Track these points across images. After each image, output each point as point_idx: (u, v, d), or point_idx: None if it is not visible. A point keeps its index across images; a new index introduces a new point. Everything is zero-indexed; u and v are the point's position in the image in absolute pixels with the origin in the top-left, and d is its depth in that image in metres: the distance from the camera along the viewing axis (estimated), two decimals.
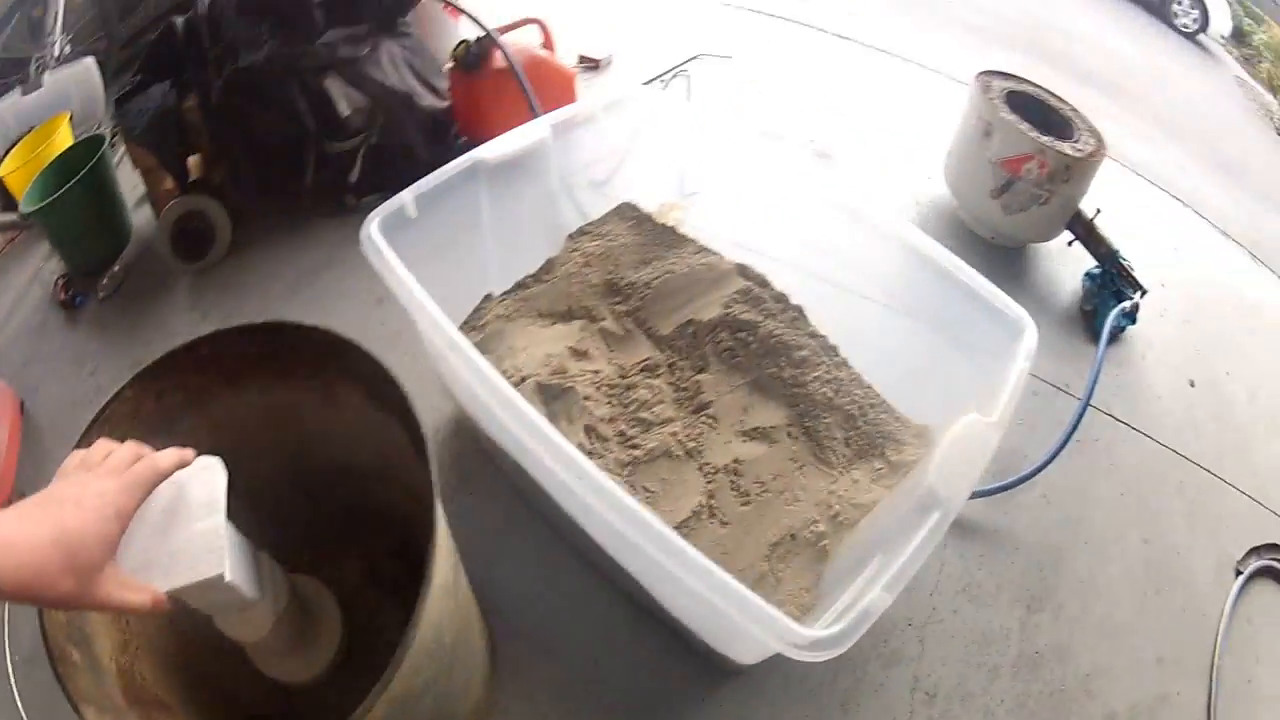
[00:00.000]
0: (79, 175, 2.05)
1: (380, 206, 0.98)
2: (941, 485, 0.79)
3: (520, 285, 1.13)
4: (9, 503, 1.67)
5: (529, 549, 1.14)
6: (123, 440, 0.65)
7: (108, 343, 2.03)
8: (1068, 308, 1.70)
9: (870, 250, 1.11)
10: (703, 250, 1.16)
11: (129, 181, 2.19)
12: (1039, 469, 1.33)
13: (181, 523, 0.66)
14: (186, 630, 0.90)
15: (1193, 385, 1.64)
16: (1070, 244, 1.72)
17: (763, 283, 1.14)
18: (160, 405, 0.86)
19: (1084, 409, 1.40)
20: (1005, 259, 1.75)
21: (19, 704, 0.82)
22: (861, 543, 0.99)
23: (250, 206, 1.79)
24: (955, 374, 1.06)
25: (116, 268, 2.24)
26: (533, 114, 1.48)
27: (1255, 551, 1.37)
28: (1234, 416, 1.61)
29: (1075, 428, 1.37)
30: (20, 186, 2.55)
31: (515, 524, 1.16)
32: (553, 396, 0.96)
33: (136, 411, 0.84)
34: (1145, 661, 1.23)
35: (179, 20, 1.75)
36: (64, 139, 2.54)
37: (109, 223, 2.29)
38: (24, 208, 2.15)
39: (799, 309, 1.14)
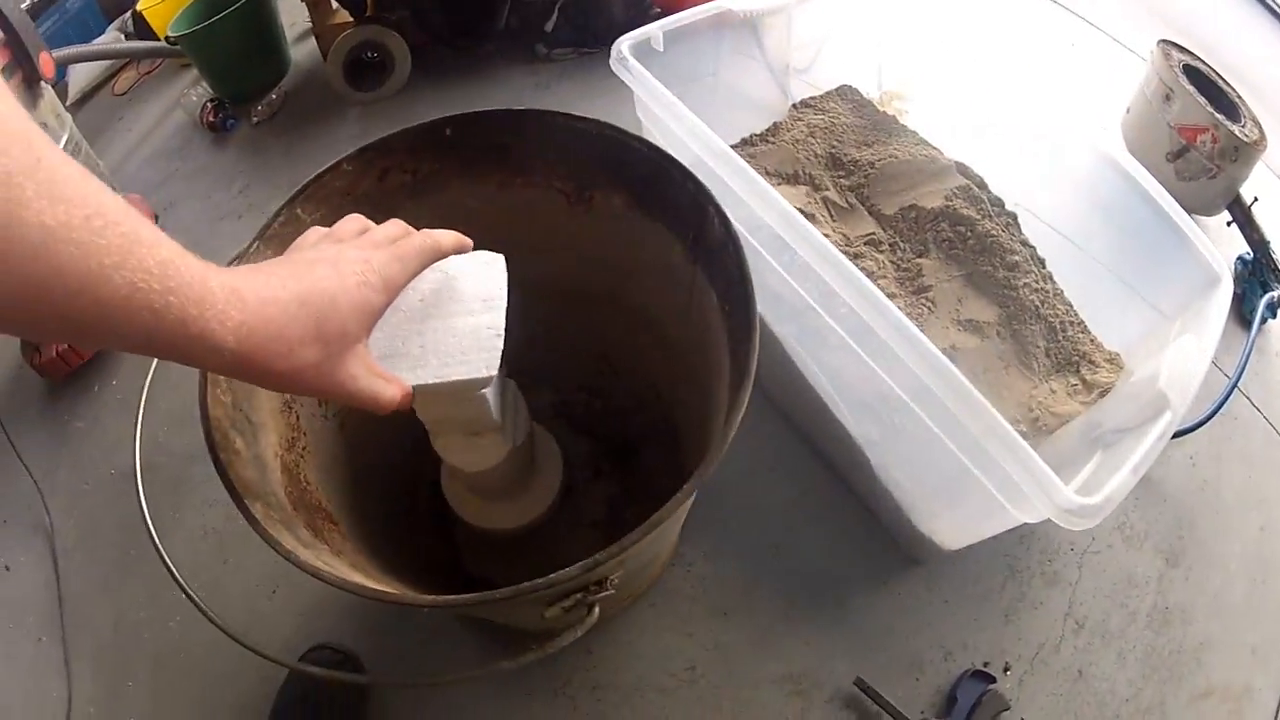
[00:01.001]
0: (233, 7, 2.05)
1: (630, 33, 1.00)
2: (1173, 393, 0.83)
3: (746, 142, 1.15)
4: None
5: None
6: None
7: (261, 163, 2.04)
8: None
9: (1080, 166, 1.15)
10: (923, 143, 1.19)
11: (292, 13, 2.19)
12: (1194, 427, 1.37)
13: (448, 315, 0.58)
14: (359, 439, 0.89)
15: None
16: (1229, 224, 1.75)
17: (981, 184, 1.18)
18: (382, 185, 0.81)
19: (1233, 388, 1.44)
20: (1163, 220, 1.78)
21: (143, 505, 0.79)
22: (1063, 448, 1.04)
23: (436, 45, 1.78)
24: (1147, 310, 1.12)
25: (274, 95, 2.25)
26: None
27: None
28: None
29: (1223, 403, 1.41)
30: (163, 20, 2.56)
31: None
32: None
33: (351, 188, 0.79)
34: (1243, 647, 1.27)
35: None
36: None
37: (266, 53, 2.29)
38: (172, 30, 2.15)
39: (1013, 215, 1.17)
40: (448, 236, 0.55)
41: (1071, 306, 1.16)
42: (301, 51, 2.36)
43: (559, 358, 1.05)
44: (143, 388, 0.81)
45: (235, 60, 2.26)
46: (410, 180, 0.81)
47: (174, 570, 0.71)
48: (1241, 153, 1.62)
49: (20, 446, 1.73)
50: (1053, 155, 1.15)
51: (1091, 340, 1.15)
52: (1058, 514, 0.72)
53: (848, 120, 1.20)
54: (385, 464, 0.94)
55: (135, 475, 0.75)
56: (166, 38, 2.30)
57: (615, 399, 1.08)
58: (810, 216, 1.06)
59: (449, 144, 0.80)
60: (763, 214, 0.82)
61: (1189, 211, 1.75)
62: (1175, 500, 1.37)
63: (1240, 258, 1.75)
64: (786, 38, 1.16)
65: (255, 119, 2.24)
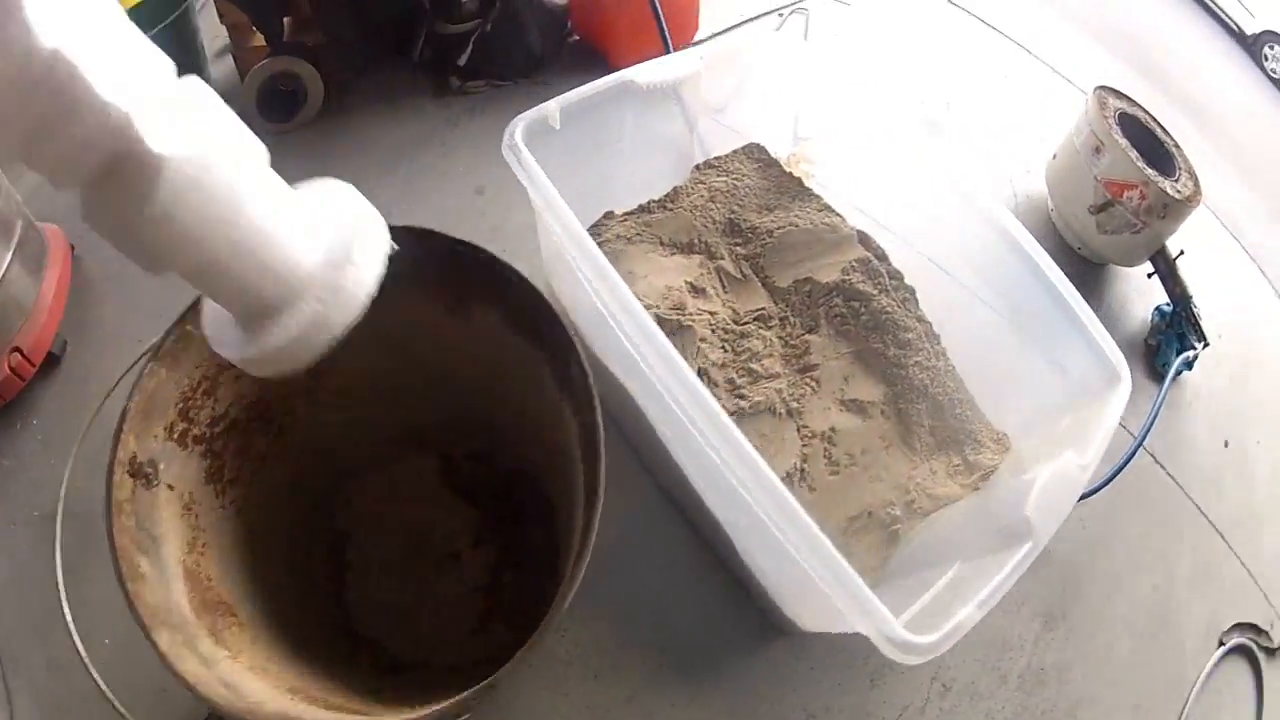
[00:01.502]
0: (158, 28, 1.99)
1: (526, 113, 0.99)
2: (1038, 520, 0.86)
3: (644, 209, 1.15)
4: (54, 354, 1.68)
5: (614, 472, 1.19)
6: None
7: None
8: (1132, 335, 1.78)
9: (980, 242, 1.16)
10: (826, 209, 1.20)
11: (209, 31, 2.14)
12: (1092, 492, 1.40)
13: None
14: (255, 520, 0.95)
15: (1226, 446, 1.73)
16: (1150, 275, 1.79)
17: (881, 256, 1.19)
18: None
19: (1135, 448, 1.46)
20: (1085, 270, 1.81)
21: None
22: (934, 538, 1.07)
23: (349, 74, 1.77)
24: (1040, 392, 1.14)
25: None
26: (660, 32, 1.49)
27: (1238, 627, 1.46)
28: (1253, 489, 1.69)
29: (1125, 465, 1.45)
30: None
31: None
32: (671, 332, 1.00)
33: (184, 339, 0.87)
34: (1125, 705, 1.33)
35: None
36: None
37: (184, 74, 2.22)
38: None
39: (911, 290, 1.19)
40: None
41: (962, 384, 1.19)
42: (220, 70, 2.31)
43: (446, 427, 1.08)
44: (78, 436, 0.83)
45: None
46: None
47: (79, 645, 0.76)
48: (1170, 209, 1.65)
49: None
50: (959, 229, 1.16)
51: (980, 419, 1.18)
52: (889, 649, 0.75)
53: (751, 182, 1.20)
54: (279, 540, 0.99)
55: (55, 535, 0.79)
56: None
57: (499, 466, 1.10)
58: (702, 291, 1.07)
59: None
60: (619, 317, 0.83)
61: (1108, 262, 1.82)
62: (1062, 563, 1.41)
63: (1159, 309, 1.79)
64: (695, 101, 1.16)
65: None
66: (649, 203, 1.16)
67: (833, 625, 0.94)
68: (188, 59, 2.14)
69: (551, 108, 0.99)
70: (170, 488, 0.85)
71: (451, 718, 0.68)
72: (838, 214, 1.21)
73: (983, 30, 2.33)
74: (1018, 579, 0.98)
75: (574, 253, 0.89)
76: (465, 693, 0.66)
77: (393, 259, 0.68)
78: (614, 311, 0.86)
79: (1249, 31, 4.87)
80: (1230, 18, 4.99)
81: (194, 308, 0.81)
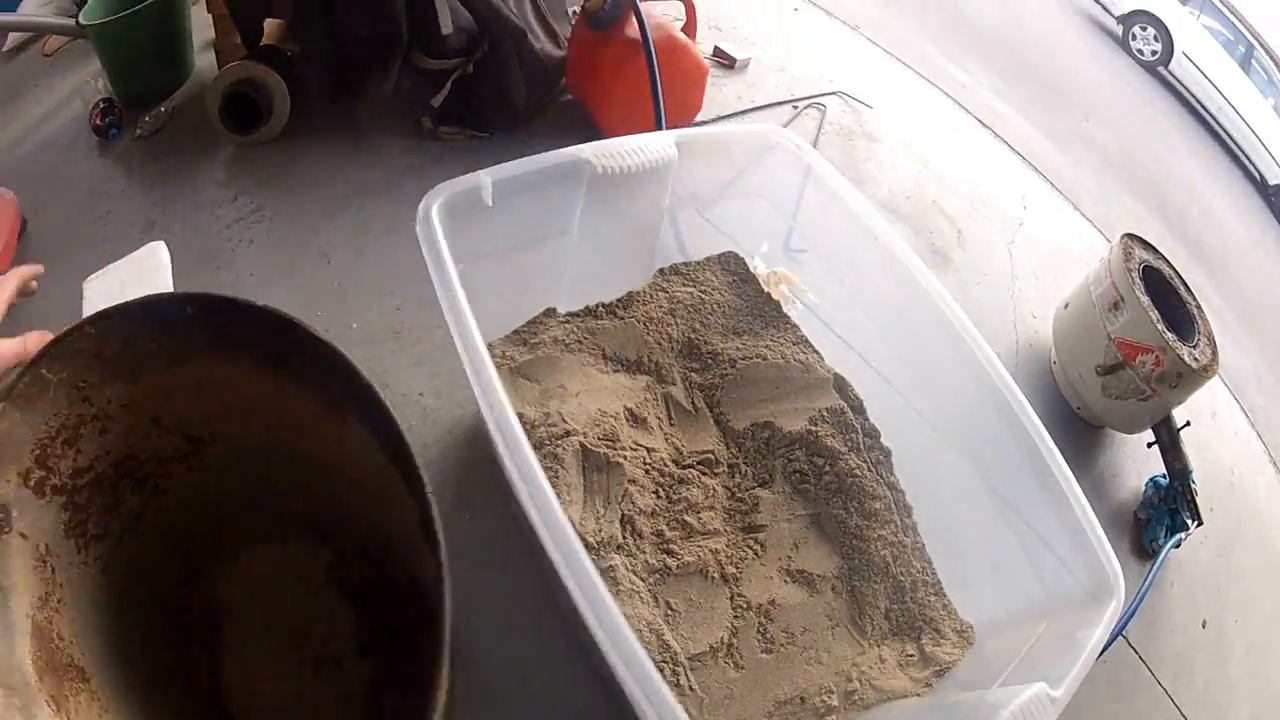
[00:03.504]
0: (142, 5, 1.96)
1: (450, 182, 0.87)
2: None
3: (590, 312, 1.03)
4: None
5: (514, 594, 1.07)
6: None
7: (129, 188, 1.93)
8: (1120, 504, 1.69)
9: (972, 404, 1.06)
10: (803, 343, 1.09)
11: (202, 20, 2.09)
12: None
13: None
14: (124, 581, 0.88)
15: (1204, 627, 1.66)
16: (1150, 445, 1.70)
17: (858, 408, 1.08)
18: (125, 350, 0.81)
19: (1114, 638, 1.40)
20: (1081, 431, 1.73)
21: None
22: None
23: (320, 96, 1.69)
24: (1018, 588, 1.03)
25: (162, 108, 2.16)
26: (655, 104, 1.40)
27: None
28: (1227, 671, 1.64)
29: (1100, 654, 1.35)
30: None
31: (506, 562, 1.08)
32: (596, 468, 0.88)
33: (95, 351, 0.79)
34: None
35: None
36: None
37: (169, 57, 2.21)
38: (84, 18, 2.07)
39: (887, 452, 1.08)
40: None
41: (930, 565, 1.07)
42: (206, 60, 2.25)
43: (342, 521, 0.97)
44: None
45: (136, 60, 2.17)
46: (156, 349, 0.81)
47: None
48: (1184, 379, 1.57)
49: None
50: (950, 385, 1.05)
51: (945, 606, 1.06)
52: None
53: (721, 298, 1.09)
54: (150, 606, 0.93)
55: None
56: (76, 21, 2.21)
57: (391, 573, 0.98)
58: (642, 421, 0.95)
59: (192, 321, 0.79)
60: (503, 449, 0.71)
61: (1106, 426, 1.72)
62: None
63: (1154, 480, 1.70)
64: (663, 195, 1.05)
65: (139, 131, 2.13)
66: (598, 306, 1.04)
67: None
68: (173, 46, 2.10)
69: (483, 180, 0.87)
70: (23, 536, 0.77)
71: None
72: (815, 351, 1.10)
73: (1005, 154, 2.28)
74: None
75: (467, 364, 0.77)
76: None
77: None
78: (499, 441, 0.74)
79: (1272, 182, 4.94)
80: (1255, 166, 5.07)
81: (47, 352, 0.75)
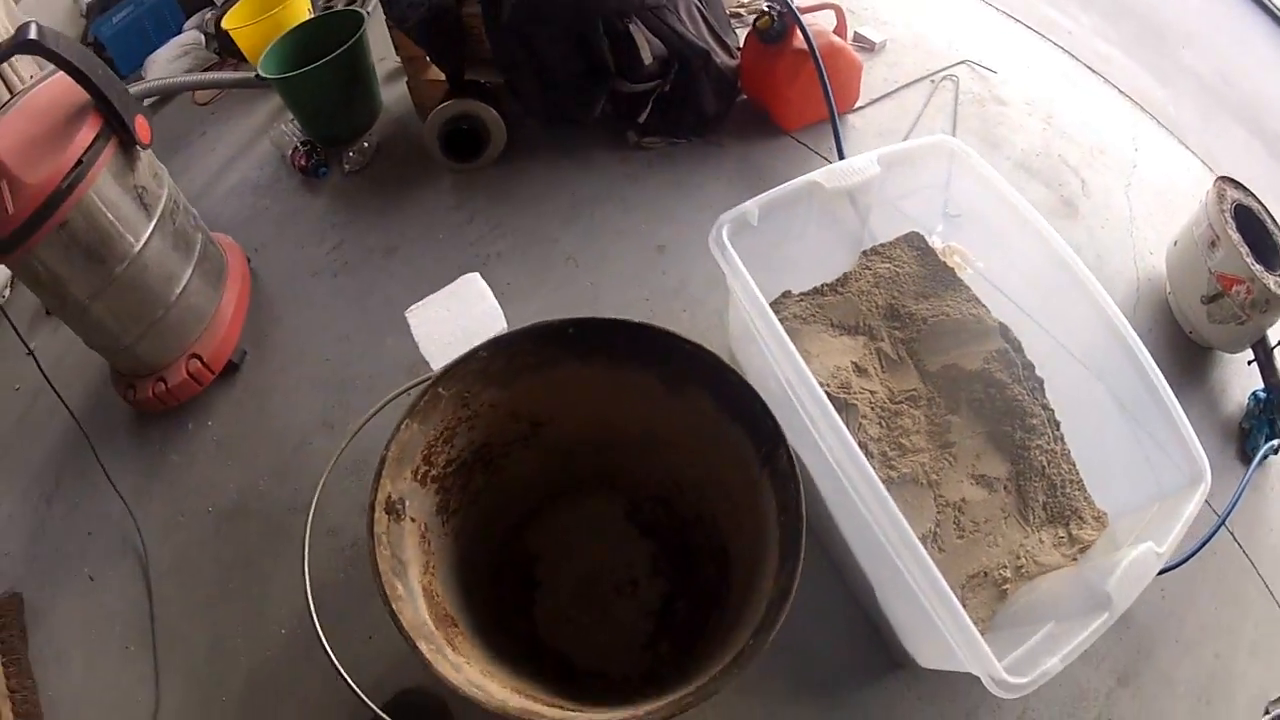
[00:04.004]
0: (333, 54, 2.24)
1: (730, 212, 1.26)
2: (1117, 595, 1.10)
3: (818, 291, 1.41)
4: (233, 363, 2.02)
5: None
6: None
7: (354, 219, 2.27)
8: (1228, 417, 1.95)
9: (1099, 338, 1.37)
10: (974, 301, 1.44)
11: (381, 48, 2.39)
12: (1168, 569, 1.61)
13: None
14: (465, 544, 1.23)
15: None
16: (1250, 363, 1.98)
17: (1018, 348, 1.43)
18: (509, 366, 1.17)
19: (1218, 528, 1.66)
20: (1193, 353, 2.00)
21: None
22: (1035, 599, 1.31)
23: (530, 120, 2.00)
24: (1137, 480, 1.36)
25: (365, 144, 2.46)
26: (828, 104, 1.72)
27: None
28: None
29: (1206, 543, 1.66)
30: (250, 44, 2.80)
31: None
32: (839, 409, 1.26)
33: (485, 369, 1.14)
34: None
35: None
36: (300, 5, 2.80)
37: (360, 98, 2.51)
38: (264, 71, 2.36)
39: (1040, 381, 1.43)
40: None
41: (1075, 467, 1.42)
42: (391, 94, 2.54)
43: (634, 476, 1.35)
44: (316, 485, 1.10)
45: (329, 105, 2.46)
46: (533, 362, 1.15)
47: (316, 621, 1.02)
48: (1272, 305, 1.84)
49: (110, 470, 2.01)
50: (1082, 322, 1.37)
51: (1086, 499, 1.41)
52: (990, 684, 1.00)
53: (911, 269, 1.44)
54: (482, 561, 1.28)
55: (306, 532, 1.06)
56: (257, 75, 2.51)
57: (678, 512, 1.36)
58: (864, 371, 1.32)
59: (570, 337, 1.13)
60: (800, 394, 1.08)
61: (1214, 347, 2.02)
62: (1140, 627, 1.63)
63: (1254, 394, 1.98)
64: (863, 208, 1.40)
65: (347, 167, 2.43)
66: (823, 285, 1.41)
67: (945, 663, 1.19)
68: (362, 87, 2.43)
69: (751, 209, 1.24)
70: (412, 520, 1.15)
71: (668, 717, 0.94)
72: (984, 305, 1.44)
73: (1114, 98, 2.50)
74: (1095, 641, 1.22)
75: (766, 339, 1.14)
76: (689, 691, 0.92)
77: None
78: (796, 389, 1.12)
79: None
80: None
81: (444, 374, 1.10)
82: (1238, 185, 2.00)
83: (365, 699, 1.02)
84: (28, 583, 2.03)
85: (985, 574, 1.31)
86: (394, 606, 0.96)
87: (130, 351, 2.00)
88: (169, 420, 2.09)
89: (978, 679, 1.03)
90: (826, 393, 1.27)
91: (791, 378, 1.12)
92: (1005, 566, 1.32)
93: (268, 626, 1.69)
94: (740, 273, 1.16)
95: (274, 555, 1.77)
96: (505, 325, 1.28)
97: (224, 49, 3.37)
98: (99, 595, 1.92)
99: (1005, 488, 1.36)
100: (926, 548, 1.25)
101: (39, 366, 1.95)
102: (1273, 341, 1.94)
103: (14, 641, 1.90)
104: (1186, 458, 1.27)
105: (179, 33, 3.52)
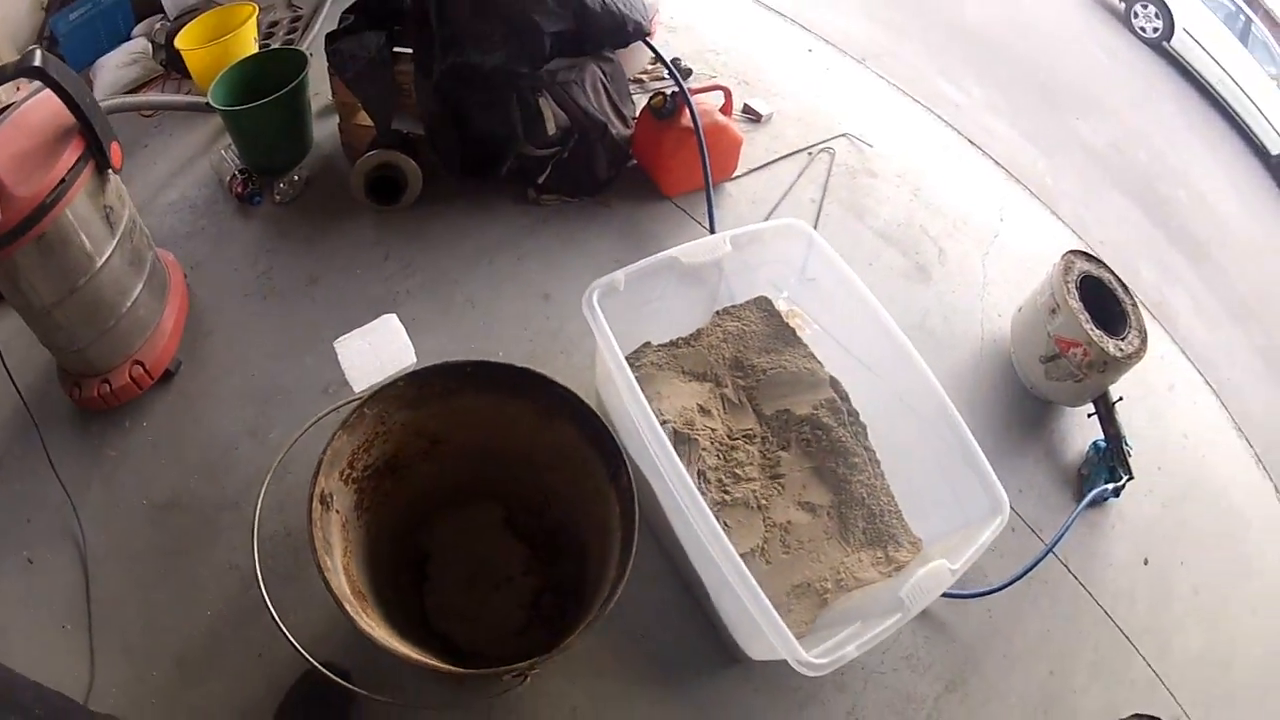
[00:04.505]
0: (279, 94, 2.49)
1: (601, 279, 1.53)
2: (909, 600, 1.36)
3: (674, 344, 1.70)
4: (170, 371, 2.21)
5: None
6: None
7: (283, 248, 2.50)
8: (1068, 464, 2.21)
9: (922, 391, 1.65)
10: (810, 357, 1.73)
11: (313, 87, 2.64)
12: (991, 591, 1.85)
13: None
14: (374, 532, 1.51)
15: (1146, 564, 2.11)
16: (1090, 415, 2.27)
17: (845, 397, 1.72)
18: (421, 393, 1.45)
19: (1044, 555, 1.92)
20: (1035, 407, 2.27)
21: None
22: (851, 605, 1.58)
23: (449, 175, 2.30)
24: (948, 508, 1.62)
25: (296, 176, 2.72)
26: (704, 177, 2.02)
27: (1138, 716, 1.75)
28: (1170, 603, 2.04)
29: (1031, 569, 1.92)
30: (199, 67, 3.06)
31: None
32: (681, 442, 1.54)
33: (402, 395, 1.43)
34: None
35: None
36: (248, 34, 3.04)
37: (294, 134, 2.76)
38: (214, 101, 2.62)
39: (864, 426, 1.71)
40: None
41: (893, 499, 1.70)
42: (322, 130, 2.78)
43: (512, 488, 1.62)
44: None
45: (270, 138, 2.70)
46: (439, 391, 1.43)
47: (264, 589, 1.28)
48: (1110, 365, 2.13)
49: (56, 457, 2.16)
50: (903, 375, 1.65)
51: (903, 526, 1.69)
52: (796, 665, 1.26)
53: (757, 328, 1.73)
54: (385, 554, 1.55)
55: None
56: (207, 104, 2.76)
57: (547, 519, 1.63)
58: (708, 412, 1.61)
59: (468, 374, 1.42)
60: (644, 429, 1.36)
61: (1054, 402, 2.31)
62: (964, 643, 1.86)
63: (1095, 443, 2.27)
64: (719, 275, 1.69)
65: (279, 198, 2.68)
66: (678, 339, 1.70)
67: (768, 654, 1.46)
68: (299, 125, 2.68)
69: (619, 277, 1.53)
70: (337, 512, 1.40)
71: (514, 677, 1.21)
72: (818, 361, 1.73)
73: (989, 170, 2.82)
74: (916, 647, 1.47)
75: (620, 384, 1.42)
76: (524, 663, 1.19)
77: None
78: (641, 426, 1.39)
79: (1274, 152, 5.29)
80: (1257, 137, 5.42)
81: (371, 396, 1.38)
82: (1089, 258, 2.29)
83: (302, 651, 1.28)
84: None
85: (808, 585, 1.58)
86: (325, 576, 1.23)
87: (81, 354, 2.14)
88: (108, 418, 2.26)
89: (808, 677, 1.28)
90: (673, 428, 1.56)
91: (638, 417, 1.39)
92: (826, 580, 1.59)
93: (197, 609, 1.88)
94: (604, 331, 1.44)
95: (203, 545, 1.96)
96: (415, 359, 1.56)
97: (170, 63, 3.52)
98: (36, 576, 2.06)
99: (828, 514, 1.64)
100: (754, 560, 1.54)
101: None
102: (1115, 397, 2.23)
103: None
104: (988, 493, 1.54)
105: (128, 37, 3.63)
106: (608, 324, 1.47)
